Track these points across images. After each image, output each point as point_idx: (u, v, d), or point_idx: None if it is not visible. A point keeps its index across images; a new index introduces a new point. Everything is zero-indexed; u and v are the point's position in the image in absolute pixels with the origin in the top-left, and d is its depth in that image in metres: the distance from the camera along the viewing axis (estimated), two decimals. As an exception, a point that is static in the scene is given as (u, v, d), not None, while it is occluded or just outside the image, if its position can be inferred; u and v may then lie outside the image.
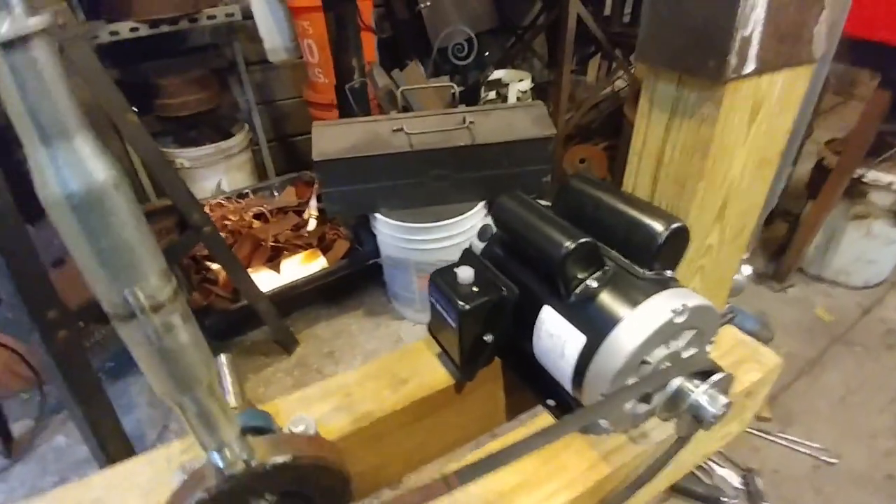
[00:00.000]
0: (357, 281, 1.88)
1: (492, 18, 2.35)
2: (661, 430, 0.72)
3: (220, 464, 0.54)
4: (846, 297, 1.78)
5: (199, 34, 2.20)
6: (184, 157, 2.12)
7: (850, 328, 1.65)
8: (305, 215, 1.98)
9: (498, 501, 0.63)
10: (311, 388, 0.81)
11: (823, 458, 1.26)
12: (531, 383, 0.81)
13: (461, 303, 0.70)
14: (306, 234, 1.89)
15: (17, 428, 1.51)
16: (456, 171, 1.46)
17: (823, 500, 1.19)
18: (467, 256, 0.79)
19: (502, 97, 2.29)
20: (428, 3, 2.06)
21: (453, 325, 0.73)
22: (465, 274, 0.73)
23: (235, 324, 1.73)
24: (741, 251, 0.84)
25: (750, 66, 0.57)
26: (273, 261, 1.78)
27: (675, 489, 1.20)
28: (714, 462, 1.25)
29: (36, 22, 0.32)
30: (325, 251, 1.83)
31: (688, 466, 0.90)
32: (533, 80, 2.56)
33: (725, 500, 1.18)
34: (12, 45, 0.31)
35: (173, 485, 0.58)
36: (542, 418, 0.75)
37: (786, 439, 1.29)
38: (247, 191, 2.11)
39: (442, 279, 0.74)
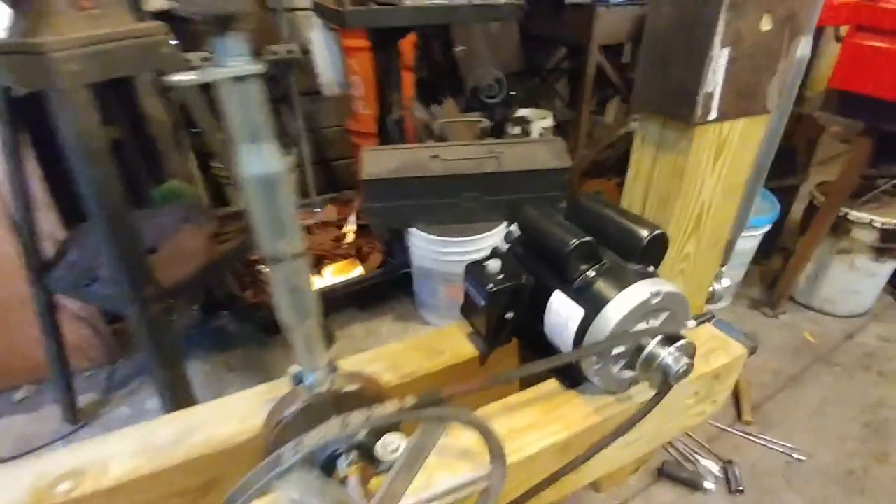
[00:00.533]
0: (388, 289, 2.08)
1: (519, 62, 2.61)
2: (643, 395, 0.91)
3: (313, 381, 0.74)
4: (832, 324, 1.93)
5: (259, 67, 2.49)
6: (239, 173, 2.38)
7: (832, 350, 1.80)
8: (344, 230, 2.21)
9: (514, 435, 0.82)
10: (365, 353, 1.02)
11: (796, 455, 1.42)
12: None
13: (490, 285, 0.91)
14: (345, 246, 2.12)
15: (82, 400, 1.69)
16: (483, 194, 1.67)
17: (792, 489, 1.35)
18: (495, 253, 1.00)
19: (526, 133, 2.53)
20: (463, 48, 2.33)
21: (482, 303, 0.93)
22: (494, 265, 0.94)
23: (280, 320, 1.95)
24: (717, 262, 1.04)
25: (713, 115, 0.79)
26: (316, 267, 2.00)
27: (662, 474, 1.36)
28: (698, 454, 1.41)
29: (256, 67, 0.55)
30: (361, 261, 2.05)
31: (669, 436, 1.07)
32: (555, 118, 2.80)
33: (706, 484, 1.33)
34: (242, 80, 0.54)
35: (265, 412, 0.79)
36: (549, 383, 0.94)
37: (764, 439, 1.45)
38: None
39: (475, 268, 0.95)
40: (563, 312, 0.87)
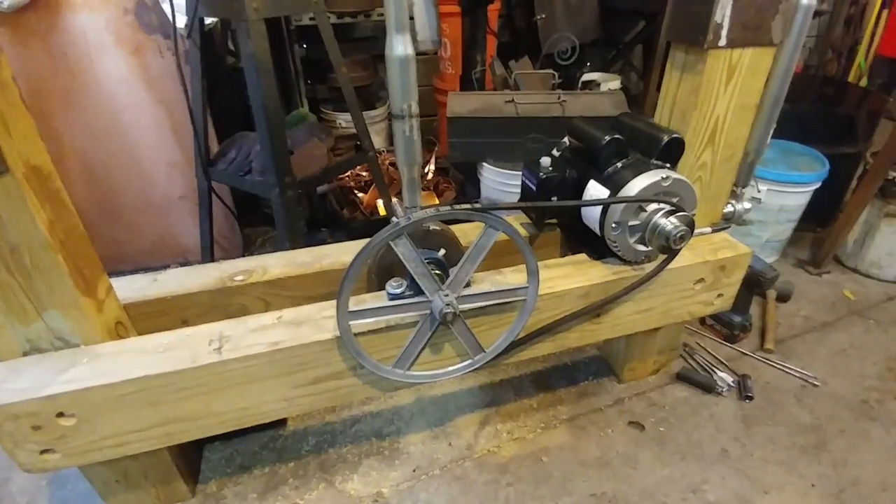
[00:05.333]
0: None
1: (596, 30, 2.82)
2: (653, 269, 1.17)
3: (410, 217, 1.06)
4: (875, 286, 2.03)
5: (363, 27, 2.88)
6: (340, 119, 2.79)
7: (869, 307, 1.91)
8: (425, 170, 2.56)
9: (548, 281, 1.12)
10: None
11: (811, 381, 1.59)
12: (579, 245, 1.29)
13: (541, 174, 1.20)
14: (425, 182, 2.47)
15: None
16: (548, 136, 1.94)
17: (801, 405, 1.51)
18: (548, 155, 1.28)
19: (595, 95, 2.74)
20: (543, 16, 2.58)
21: (533, 189, 1.22)
22: (545, 161, 1.23)
23: (371, 231, 2.33)
24: (732, 174, 1.26)
25: (723, 42, 1.03)
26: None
27: (680, 377, 1.59)
28: (716, 368, 1.61)
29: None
30: (438, 196, 2.40)
31: (677, 315, 1.31)
32: (627, 91, 2.99)
33: (719, 389, 1.54)
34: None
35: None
36: (580, 255, 1.22)
37: (782, 365, 1.61)
38: (382, 150, 2.74)
39: (530, 164, 1.25)
40: (594, 195, 1.15)
